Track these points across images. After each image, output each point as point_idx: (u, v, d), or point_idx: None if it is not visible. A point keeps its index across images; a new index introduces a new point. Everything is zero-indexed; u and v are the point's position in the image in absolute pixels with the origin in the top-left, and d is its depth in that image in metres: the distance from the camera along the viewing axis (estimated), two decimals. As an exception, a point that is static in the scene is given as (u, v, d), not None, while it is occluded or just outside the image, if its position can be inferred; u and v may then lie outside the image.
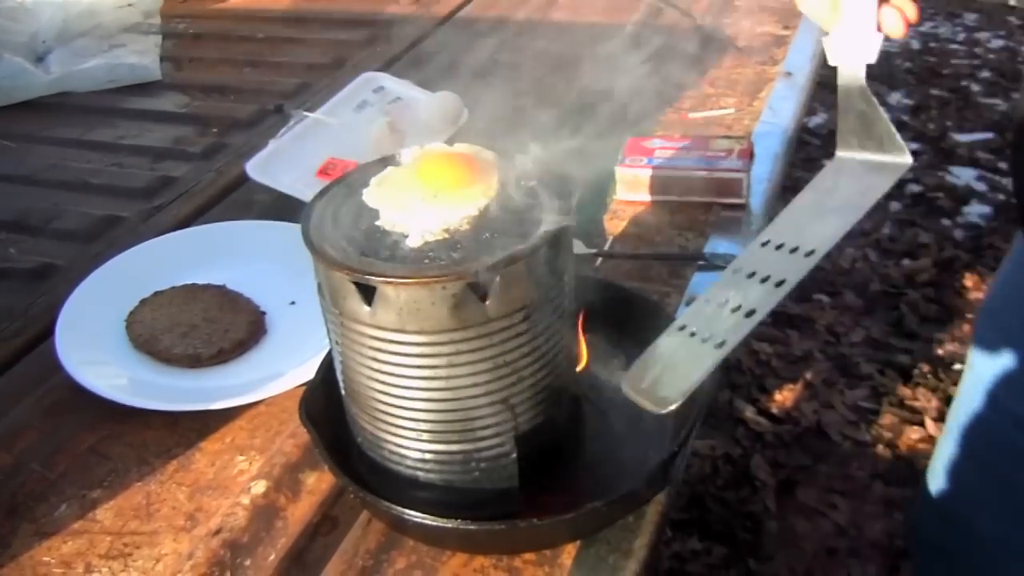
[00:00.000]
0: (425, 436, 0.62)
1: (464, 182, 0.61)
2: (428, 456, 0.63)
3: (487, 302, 0.57)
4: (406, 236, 0.59)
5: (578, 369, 0.68)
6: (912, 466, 1.67)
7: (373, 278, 0.56)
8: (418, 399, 0.60)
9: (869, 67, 0.64)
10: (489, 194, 0.61)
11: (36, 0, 1.52)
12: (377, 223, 0.60)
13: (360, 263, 0.57)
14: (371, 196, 0.62)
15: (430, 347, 0.58)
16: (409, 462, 0.63)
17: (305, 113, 1.14)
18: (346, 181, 0.66)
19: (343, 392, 0.66)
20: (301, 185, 1.04)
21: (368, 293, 0.57)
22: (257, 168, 1.06)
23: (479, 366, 0.59)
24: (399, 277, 0.56)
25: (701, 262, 0.91)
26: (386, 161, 0.66)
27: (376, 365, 0.60)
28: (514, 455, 0.62)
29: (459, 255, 0.57)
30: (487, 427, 0.61)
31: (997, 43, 3.44)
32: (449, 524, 0.60)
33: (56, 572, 0.66)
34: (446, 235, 0.58)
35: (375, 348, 0.59)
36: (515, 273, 0.57)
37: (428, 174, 0.61)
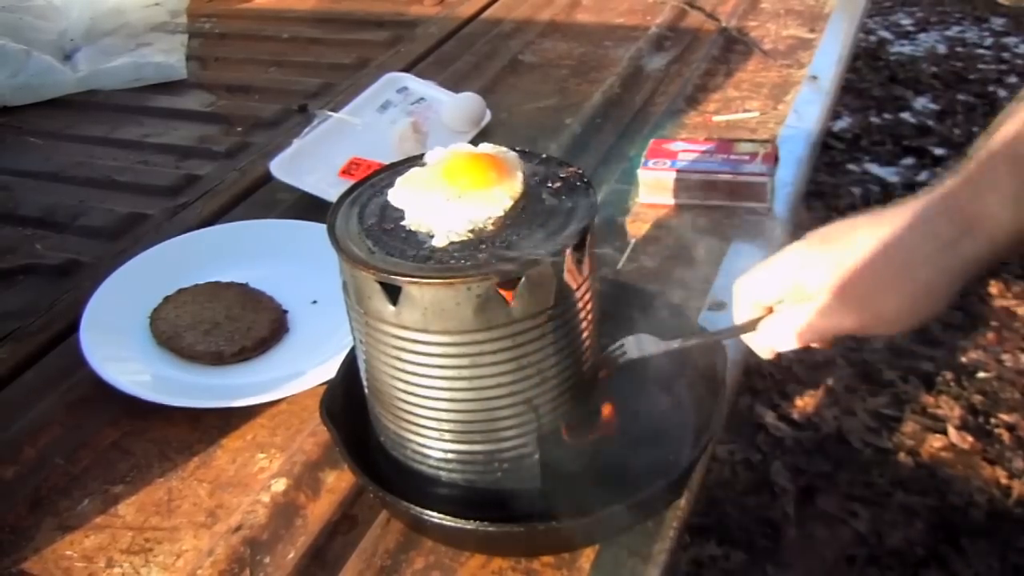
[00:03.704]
0: (448, 436, 0.62)
1: (489, 182, 0.61)
2: (451, 456, 0.63)
3: (512, 303, 0.57)
4: (432, 236, 0.59)
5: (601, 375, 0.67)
6: (934, 475, 1.65)
7: (398, 278, 0.56)
8: (441, 399, 0.60)
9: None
10: (514, 194, 0.61)
11: (65, -1, 1.53)
12: (403, 223, 0.61)
13: (386, 263, 0.57)
14: (396, 196, 0.62)
15: (454, 347, 0.58)
16: (432, 461, 0.63)
17: (329, 113, 1.15)
18: (371, 181, 0.66)
19: (366, 391, 0.67)
20: (324, 184, 1.04)
21: (393, 293, 0.57)
22: (281, 167, 1.07)
23: (503, 367, 0.59)
24: (425, 277, 0.56)
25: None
26: (411, 162, 0.67)
27: (400, 365, 0.60)
28: (536, 455, 0.62)
29: (484, 256, 0.57)
30: (510, 427, 0.61)
31: (1025, 48, 3.41)
32: (468, 525, 0.60)
33: (78, 566, 0.67)
34: (471, 235, 0.59)
35: (399, 348, 0.59)
36: (541, 274, 0.57)
37: (453, 174, 0.61)
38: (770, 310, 0.63)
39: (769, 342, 0.63)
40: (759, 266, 0.63)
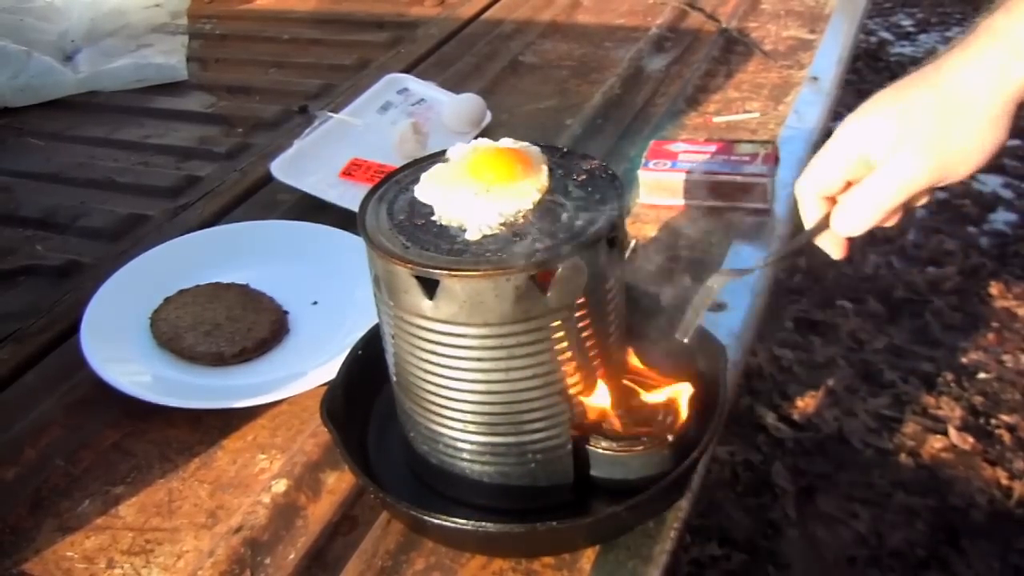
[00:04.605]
0: (482, 428, 0.62)
1: (515, 176, 0.62)
2: (484, 448, 0.63)
3: (548, 294, 0.57)
4: (464, 230, 0.59)
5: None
6: (935, 475, 1.65)
7: (437, 271, 0.57)
8: (476, 391, 0.61)
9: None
10: (541, 187, 0.62)
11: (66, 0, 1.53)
12: (433, 218, 0.61)
13: (422, 257, 0.58)
14: (424, 192, 0.63)
15: (492, 339, 0.58)
16: (465, 455, 0.64)
17: (329, 114, 1.15)
18: (396, 178, 0.66)
19: (395, 386, 0.67)
20: (324, 185, 1.04)
21: (430, 287, 0.58)
22: (281, 168, 1.07)
23: (538, 357, 0.59)
24: (464, 270, 0.56)
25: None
26: (433, 158, 0.67)
27: (434, 358, 0.61)
28: (569, 446, 0.63)
29: (520, 248, 0.58)
30: (544, 418, 0.62)
31: (1026, 49, 3.40)
32: (468, 526, 0.60)
33: (79, 567, 0.67)
34: (503, 228, 0.59)
35: (434, 341, 0.60)
36: (577, 264, 0.57)
37: (479, 169, 0.62)
38: (835, 202, 0.62)
39: (845, 228, 0.61)
40: (813, 160, 0.62)
